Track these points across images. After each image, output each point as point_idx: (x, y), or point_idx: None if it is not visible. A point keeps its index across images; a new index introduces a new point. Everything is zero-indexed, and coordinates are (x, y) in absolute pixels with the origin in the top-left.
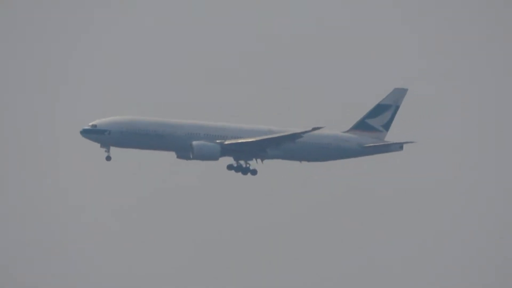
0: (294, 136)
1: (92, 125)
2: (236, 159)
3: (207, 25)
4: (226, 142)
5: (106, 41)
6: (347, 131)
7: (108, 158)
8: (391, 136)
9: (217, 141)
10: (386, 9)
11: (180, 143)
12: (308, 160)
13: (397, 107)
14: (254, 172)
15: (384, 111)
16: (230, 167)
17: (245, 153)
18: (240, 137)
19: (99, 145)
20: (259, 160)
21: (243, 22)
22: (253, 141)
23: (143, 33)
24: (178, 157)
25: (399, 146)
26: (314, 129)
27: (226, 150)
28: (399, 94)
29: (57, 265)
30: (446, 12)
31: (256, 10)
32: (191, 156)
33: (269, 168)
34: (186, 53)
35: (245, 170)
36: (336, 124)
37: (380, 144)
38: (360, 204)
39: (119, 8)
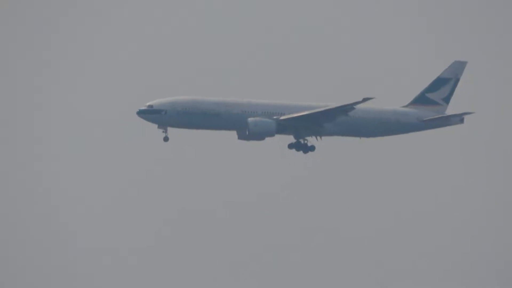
0: (345, 108)
1: (149, 105)
2: (296, 137)
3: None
4: (282, 118)
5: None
6: (407, 106)
7: (166, 139)
8: (452, 110)
9: (274, 117)
10: None
11: (237, 121)
12: (367, 136)
13: (457, 80)
14: (312, 148)
15: (444, 85)
16: (290, 145)
17: (302, 129)
18: (298, 113)
19: (156, 126)
20: (318, 138)
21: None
22: (307, 114)
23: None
24: (239, 137)
25: (459, 119)
26: (365, 99)
27: (282, 126)
28: (459, 67)
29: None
30: None
31: None
32: (247, 133)
33: (328, 145)
34: (234, 31)
35: (305, 148)
36: (396, 98)
37: (439, 116)
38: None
39: None
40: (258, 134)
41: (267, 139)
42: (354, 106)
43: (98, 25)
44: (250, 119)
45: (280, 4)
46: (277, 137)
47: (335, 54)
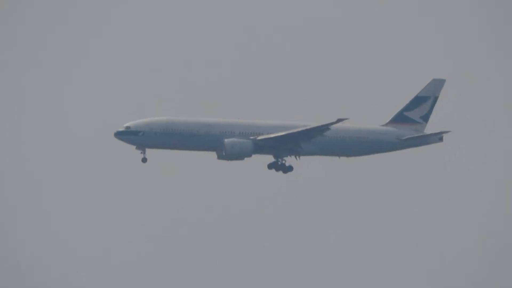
0: (320, 129)
1: (126, 127)
2: (276, 157)
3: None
4: (259, 138)
5: (129, 45)
6: (386, 124)
7: (144, 160)
8: (432, 128)
9: (251, 137)
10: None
11: (215, 142)
12: (347, 155)
13: (436, 98)
14: (290, 168)
15: (423, 103)
16: (270, 165)
17: (280, 149)
18: (275, 133)
19: (134, 147)
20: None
21: (263, 19)
22: (284, 135)
23: (163, 36)
24: (219, 157)
25: (438, 138)
26: (339, 120)
27: (259, 147)
28: (437, 85)
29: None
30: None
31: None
32: (223, 154)
33: (306, 164)
34: (211, 52)
35: (283, 168)
36: (375, 117)
37: (418, 135)
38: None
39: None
40: (234, 155)
41: (247, 158)
42: (329, 127)
43: (76, 48)
44: (226, 140)
45: (254, 27)
46: (257, 157)
47: (314, 73)
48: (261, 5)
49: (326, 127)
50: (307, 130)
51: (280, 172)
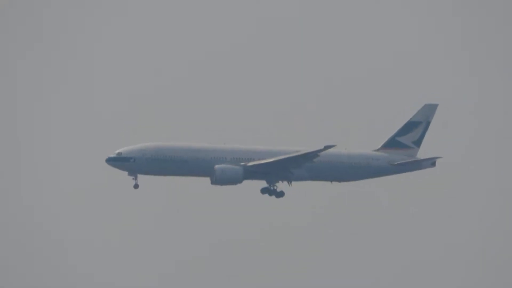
0: (308, 155)
1: (118, 153)
2: (268, 182)
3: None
4: (249, 164)
5: (122, 69)
6: (378, 150)
7: (136, 186)
8: (424, 153)
9: (241, 163)
10: (416, 24)
11: (206, 168)
12: (339, 180)
13: (428, 123)
14: (281, 194)
15: (415, 128)
16: (263, 190)
17: (271, 175)
18: (265, 159)
19: (126, 173)
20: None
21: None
22: (273, 161)
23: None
24: (212, 183)
25: (430, 163)
26: (327, 147)
27: (250, 173)
28: (429, 110)
29: None
30: (477, 27)
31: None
32: (214, 180)
33: (297, 190)
34: (205, 77)
35: (275, 193)
36: (367, 143)
37: (410, 161)
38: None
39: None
40: (225, 181)
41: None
42: (318, 154)
43: (67, 67)
44: (217, 166)
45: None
46: (250, 181)
47: (306, 98)
48: (251, 27)
49: (314, 154)
50: (295, 156)
51: (273, 197)
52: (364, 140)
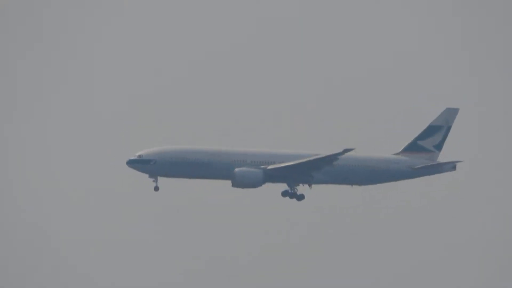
0: (327, 159)
1: (138, 155)
2: (288, 185)
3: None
4: (269, 167)
5: (143, 72)
6: (398, 153)
7: (156, 189)
8: (445, 157)
9: (261, 166)
10: (439, 28)
11: (226, 171)
12: (359, 183)
13: (449, 128)
14: (301, 197)
15: (436, 132)
16: (284, 193)
17: (291, 178)
18: (285, 163)
19: (147, 175)
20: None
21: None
22: (292, 164)
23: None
24: (233, 185)
25: (451, 166)
26: (346, 150)
27: (270, 176)
28: (450, 114)
29: None
30: (498, 30)
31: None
32: (234, 183)
33: (317, 193)
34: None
35: (295, 196)
36: (388, 146)
37: (430, 164)
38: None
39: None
40: (245, 184)
41: (262, 186)
42: (338, 157)
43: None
44: (237, 169)
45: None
46: (271, 184)
47: (328, 102)
48: (251, 27)
49: (333, 157)
50: (315, 160)
51: (294, 200)
52: (385, 144)
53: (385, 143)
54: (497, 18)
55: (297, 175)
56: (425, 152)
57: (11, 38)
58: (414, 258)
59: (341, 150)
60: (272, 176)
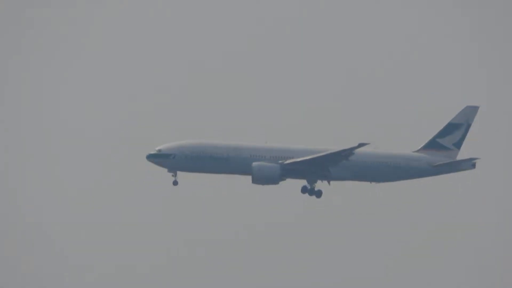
0: (343, 153)
1: (158, 150)
2: (308, 182)
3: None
4: (286, 162)
5: (162, 68)
6: (418, 151)
7: (175, 183)
8: (465, 155)
9: (279, 161)
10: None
11: (244, 166)
12: (378, 180)
13: (469, 125)
14: (318, 193)
15: (455, 130)
16: (303, 190)
17: (309, 173)
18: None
19: (166, 170)
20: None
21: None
22: (309, 159)
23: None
24: (253, 181)
25: (470, 164)
26: (360, 145)
27: (287, 171)
28: (470, 112)
29: None
30: None
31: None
32: (252, 177)
33: (336, 189)
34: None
35: (313, 192)
36: (408, 143)
37: (449, 162)
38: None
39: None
40: (262, 179)
41: (282, 182)
42: (354, 152)
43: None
44: (254, 164)
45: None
46: (292, 181)
47: (347, 101)
48: (251, 27)
49: (348, 151)
50: (330, 154)
51: (313, 197)
52: (404, 141)
53: (405, 141)
54: None
55: (314, 170)
56: (444, 150)
57: (11, 38)
58: (429, 257)
59: (356, 144)
60: (290, 171)
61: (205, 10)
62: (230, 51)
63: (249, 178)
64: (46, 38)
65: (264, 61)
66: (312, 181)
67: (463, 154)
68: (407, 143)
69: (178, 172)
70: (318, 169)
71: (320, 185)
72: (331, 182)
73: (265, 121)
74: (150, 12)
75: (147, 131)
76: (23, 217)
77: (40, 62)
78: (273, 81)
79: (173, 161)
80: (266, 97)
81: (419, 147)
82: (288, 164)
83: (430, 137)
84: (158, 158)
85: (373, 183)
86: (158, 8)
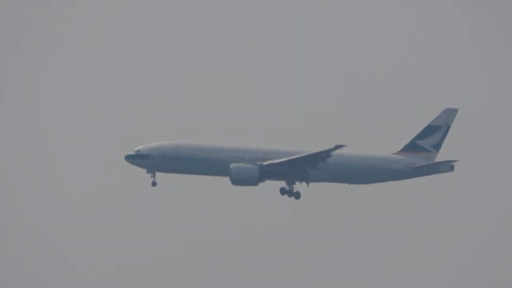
0: (319, 155)
1: (136, 151)
2: (287, 183)
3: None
4: (264, 164)
5: (142, 67)
6: (397, 153)
7: (154, 184)
8: (444, 157)
9: (258, 163)
10: (437, 28)
11: (223, 167)
12: (357, 182)
13: (448, 128)
14: (297, 195)
15: (435, 132)
16: (281, 191)
17: (288, 175)
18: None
19: (145, 170)
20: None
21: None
22: (286, 160)
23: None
24: (232, 183)
25: (449, 167)
26: (337, 147)
27: (265, 172)
28: (450, 114)
29: None
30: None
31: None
32: (231, 180)
33: (314, 191)
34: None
35: (293, 194)
36: (386, 145)
37: (428, 164)
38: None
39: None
40: (240, 180)
41: (262, 183)
42: (331, 154)
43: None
44: (232, 165)
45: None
46: (272, 182)
47: (327, 102)
48: (251, 27)
49: (325, 153)
50: (308, 155)
51: (292, 198)
52: (383, 143)
53: (384, 142)
54: (497, 16)
55: (292, 171)
56: (423, 152)
57: (11, 38)
58: (409, 258)
59: (332, 146)
60: (268, 173)
61: (205, 10)
62: (230, 51)
63: (228, 179)
64: (46, 38)
65: (264, 61)
66: (290, 183)
67: (442, 156)
68: (386, 145)
69: (157, 173)
70: (296, 171)
71: (298, 186)
72: (310, 183)
73: (265, 121)
74: (150, 12)
75: (147, 131)
76: (23, 217)
77: (40, 62)
78: (273, 81)
79: (151, 162)
80: (266, 97)
81: (398, 149)
82: (266, 165)
83: (409, 139)
84: (136, 159)
85: (352, 185)
86: (158, 8)
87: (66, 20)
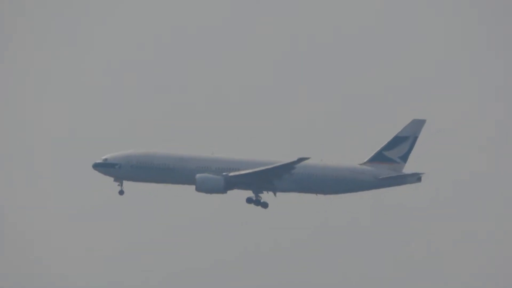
0: (284, 167)
1: (104, 159)
2: (254, 192)
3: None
4: (230, 174)
5: (112, 75)
6: (364, 163)
7: (121, 192)
8: (412, 168)
9: (224, 173)
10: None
11: (190, 177)
12: (324, 193)
13: (415, 138)
14: (264, 204)
15: (402, 143)
16: (248, 200)
17: (254, 185)
18: (247, 170)
19: (112, 179)
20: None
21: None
22: (252, 172)
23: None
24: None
25: (416, 178)
26: (300, 160)
27: (231, 183)
28: (417, 125)
29: None
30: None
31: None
32: (196, 188)
33: (281, 201)
34: (196, 85)
35: (259, 204)
36: (354, 156)
37: (395, 175)
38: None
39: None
40: (205, 191)
41: (229, 192)
42: (295, 166)
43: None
44: (198, 176)
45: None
46: (239, 191)
47: (295, 110)
48: (251, 27)
49: (289, 165)
50: (272, 168)
51: (259, 207)
52: (350, 153)
53: (351, 153)
54: (468, 24)
55: (258, 182)
56: (391, 163)
57: (10, 38)
58: (374, 269)
59: (295, 158)
60: (234, 183)
61: (205, 10)
62: (230, 51)
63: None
64: (46, 38)
65: (264, 61)
66: (257, 192)
67: (410, 166)
68: (353, 155)
69: (124, 182)
70: (262, 182)
71: (265, 196)
72: (277, 193)
73: (265, 121)
74: (150, 12)
75: (147, 131)
76: (23, 217)
77: (40, 62)
78: (273, 81)
79: (118, 170)
80: (266, 97)
81: (365, 160)
82: (231, 176)
83: (376, 149)
84: (103, 167)
85: (319, 195)
86: (158, 8)
87: (66, 20)
